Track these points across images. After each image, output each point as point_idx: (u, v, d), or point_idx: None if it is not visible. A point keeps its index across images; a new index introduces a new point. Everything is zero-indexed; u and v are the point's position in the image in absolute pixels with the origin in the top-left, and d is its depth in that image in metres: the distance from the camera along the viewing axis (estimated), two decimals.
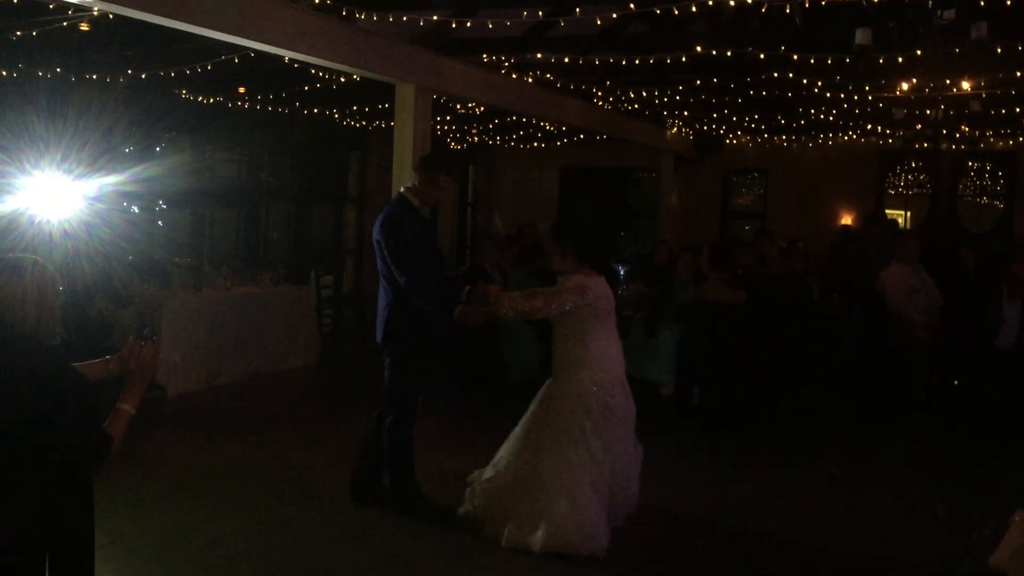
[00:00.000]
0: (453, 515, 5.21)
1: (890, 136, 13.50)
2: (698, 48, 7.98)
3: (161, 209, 10.36)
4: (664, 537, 5.16)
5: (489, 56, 8.74)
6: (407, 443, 5.31)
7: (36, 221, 3.61)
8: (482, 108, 11.41)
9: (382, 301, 5.27)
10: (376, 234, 5.22)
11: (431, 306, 5.12)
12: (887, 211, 14.12)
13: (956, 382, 8.45)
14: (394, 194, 7.55)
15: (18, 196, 3.59)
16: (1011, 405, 7.65)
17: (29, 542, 2.87)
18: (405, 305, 5.16)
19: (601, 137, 13.79)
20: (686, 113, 12.45)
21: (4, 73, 8.95)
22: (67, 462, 2.91)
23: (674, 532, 5.23)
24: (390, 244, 5.10)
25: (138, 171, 8.71)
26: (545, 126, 13.42)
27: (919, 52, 7.19)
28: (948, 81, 8.98)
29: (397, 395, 5.26)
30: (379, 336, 5.29)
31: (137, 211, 9.27)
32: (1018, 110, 10.43)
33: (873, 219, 11.86)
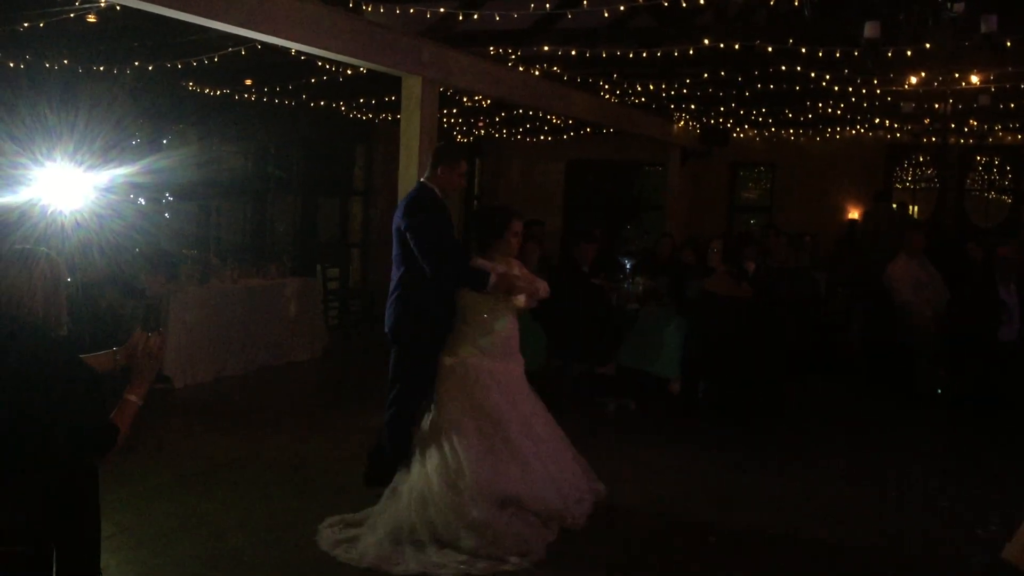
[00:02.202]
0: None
1: (898, 130, 13.44)
2: (706, 41, 7.95)
3: (167, 201, 10.37)
4: (667, 531, 5.16)
5: (496, 49, 8.72)
6: (405, 440, 5.30)
7: (48, 212, 3.62)
8: (488, 101, 11.39)
9: (392, 291, 5.29)
10: (398, 219, 5.22)
11: (463, 284, 5.13)
12: (893, 206, 14.06)
13: (940, 390, 8.42)
14: (401, 185, 7.57)
15: (30, 187, 3.60)
16: (1017, 398, 7.63)
17: (36, 531, 2.88)
18: (415, 297, 5.18)
19: (608, 130, 13.74)
20: (693, 107, 12.41)
21: (12, 64, 8.96)
22: (74, 452, 2.92)
23: (677, 526, 5.23)
24: (417, 229, 5.11)
25: (146, 163, 8.72)
26: (551, 119, 13.38)
27: (928, 46, 7.16)
28: (957, 75, 8.94)
29: (399, 391, 5.27)
30: (387, 326, 5.31)
31: (144, 203, 9.28)
32: None
33: (880, 195, 11.77)
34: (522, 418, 5.08)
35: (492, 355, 5.12)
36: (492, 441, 4.91)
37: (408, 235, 5.14)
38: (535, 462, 4.97)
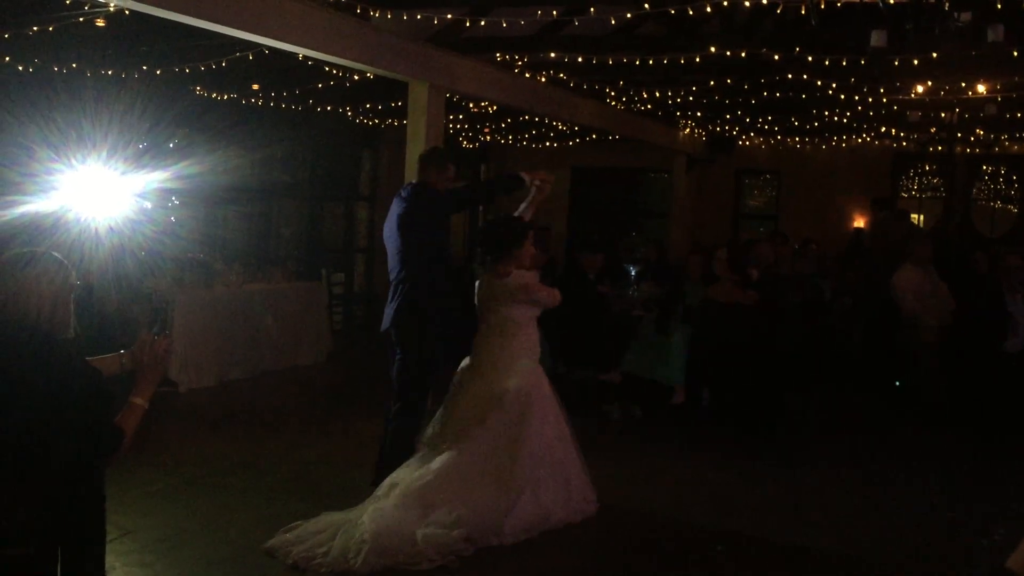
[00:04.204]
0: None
1: (904, 139, 13.44)
2: (712, 49, 7.96)
3: (173, 205, 10.38)
4: (671, 539, 5.15)
5: (503, 55, 8.74)
6: (409, 439, 5.32)
7: (63, 219, 3.65)
8: (494, 107, 11.41)
9: (393, 289, 5.35)
10: (400, 209, 5.32)
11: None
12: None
13: (932, 397, 8.40)
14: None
15: (51, 192, 3.63)
16: (1021, 409, 7.61)
17: (41, 535, 2.89)
18: (414, 293, 5.24)
19: (613, 137, 13.76)
20: (699, 114, 12.42)
21: (21, 68, 9.00)
22: (79, 455, 2.93)
23: (681, 534, 5.22)
24: (424, 214, 5.24)
25: (179, 168, 8.75)
26: (557, 126, 13.41)
27: (935, 55, 7.16)
28: (963, 84, 8.94)
29: (403, 389, 5.28)
30: (385, 323, 5.33)
31: (149, 207, 9.29)
32: None
33: (881, 203, 11.70)
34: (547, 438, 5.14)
35: (531, 362, 5.24)
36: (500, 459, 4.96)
37: (411, 220, 5.26)
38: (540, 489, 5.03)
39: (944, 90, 9.09)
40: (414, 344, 5.28)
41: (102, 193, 3.71)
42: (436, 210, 5.31)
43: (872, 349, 9.32)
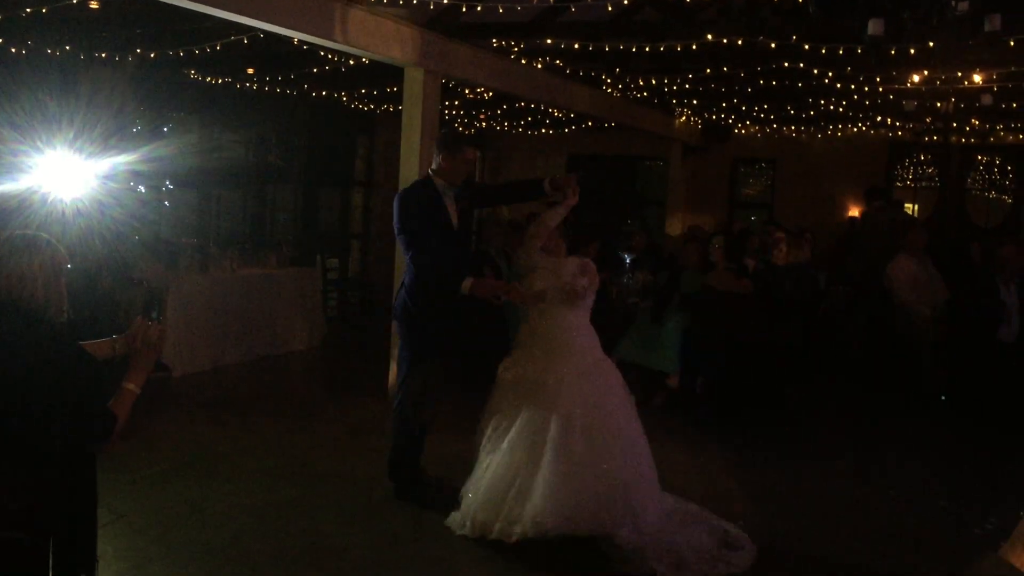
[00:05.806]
0: (457, 499, 5.21)
1: (900, 128, 13.43)
2: (709, 36, 7.93)
3: (168, 189, 10.35)
4: None
5: (499, 41, 8.70)
6: (411, 431, 5.32)
7: (48, 200, 3.62)
8: (490, 93, 11.37)
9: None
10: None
11: (429, 279, 5.16)
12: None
13: (943, 397, 8.40)
14: (402, 176, 7.59)
15: (30, 174, 3.60)
16: (1015, 398, 7.64)
17: (33, 518, 2.88)
18: (418, 285, 5.20)
19: (609, 124, 13.73)
20: (695, 102, 12.39)
21: (13, 50, 8.94)
22: (72, 439, 2.92)
23: None
24: (397, 216, 5.17)
25: (146, 151, 8.71)
26: (553, 113, 13.37)
27: (931, 44, 7.14)
28: (959, 74, 8.93)
29: (405, 377, 5.28)
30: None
31: (144, 191, 9.27)
32: None
33: (874, 192, 11.67)
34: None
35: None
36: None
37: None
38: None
39: (940, 79, 9.08)
40: (408, 334, 5.27)
41: (90, 177, 3.69)
42: (407, 212, 5.17)
43: (872, 341, 9.33)
